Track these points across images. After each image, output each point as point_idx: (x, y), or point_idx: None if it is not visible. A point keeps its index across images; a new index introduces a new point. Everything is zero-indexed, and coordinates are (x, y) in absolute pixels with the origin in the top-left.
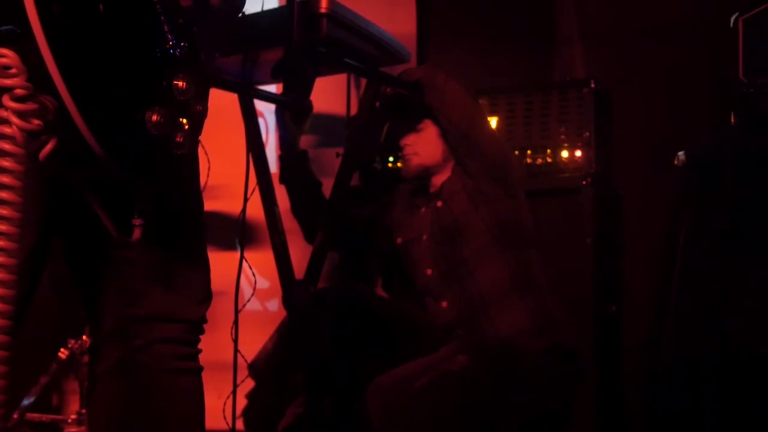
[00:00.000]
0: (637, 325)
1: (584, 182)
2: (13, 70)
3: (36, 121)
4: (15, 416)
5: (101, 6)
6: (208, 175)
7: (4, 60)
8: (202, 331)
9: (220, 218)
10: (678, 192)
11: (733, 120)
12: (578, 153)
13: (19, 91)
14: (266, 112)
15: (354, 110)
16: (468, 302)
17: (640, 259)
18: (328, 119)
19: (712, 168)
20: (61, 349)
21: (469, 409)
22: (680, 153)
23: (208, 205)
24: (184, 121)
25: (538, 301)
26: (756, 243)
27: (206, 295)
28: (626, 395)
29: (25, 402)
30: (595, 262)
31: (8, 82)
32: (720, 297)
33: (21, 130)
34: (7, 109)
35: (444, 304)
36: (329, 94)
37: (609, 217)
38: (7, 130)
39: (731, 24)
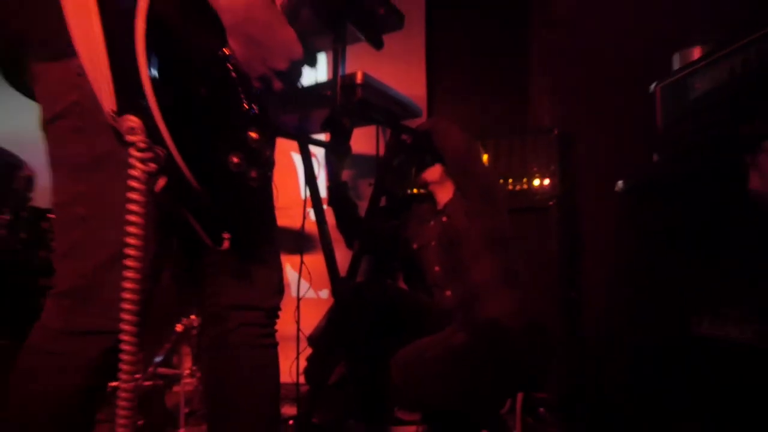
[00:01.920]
0: (590, 308)
1: (551, 203)
2: (137, 130)
3: (152, 165)
4: (150, 369)
5: (199, 83)
6: (277, 200)
7: (131, 123)
8: (277, 317)
9: (286, 231)
10: (619, 210)
11: (655, 158)
12: (547, 181)
13: (140, 144)
14: (318, 153)
15: (382, 152)
16: (466, 292)
17: (594, 259)
18: (362, 158)
19: (643, 192)
20: (178, 325)
21: (467, 373)
22: (619, 182)
23: (278, 222)
24: (257, 162)
25: (518, 290)
26: (676, 245)
27: (280, 290)
28: (585, 360)
29: (156, 360)
30: (559, 262)
31: (134, 138)
32: (651, 287)
33: (142, 171)
34: (132, 156)
35: (448, 293)
36: (363, 140)
37: (570, 229)
38: (133, 172)
39: (651, 89)
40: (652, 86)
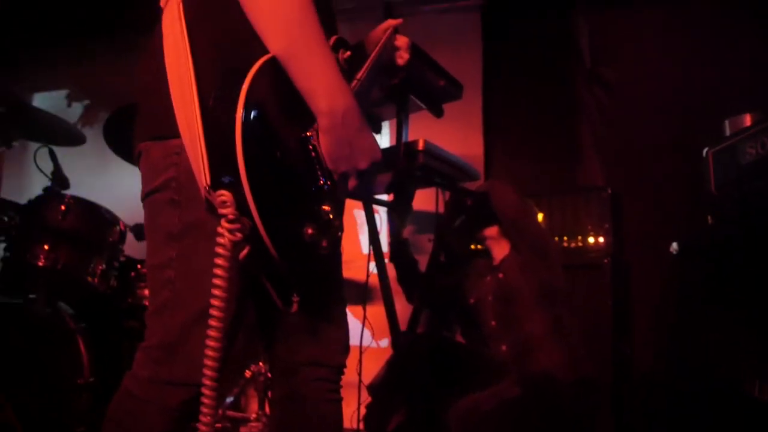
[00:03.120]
0: (642, 363)
1: (605, 261)
2: (228, 203)
3: (239, 235)
4: (220, 412)
5: (282, 162)
6: (343, 254)
7: (223, 197)
8: (343, 373)
9: (350, 285)
10: (670, 269)
11: (709, 220)
12: (601, 239)
13: (230, 216)
14: (380, 210)
15: (441, 210)
16: (520, 346)
17: (646, 316)
18: (422, 216)
19: (695, 252)
20: (246, 372)
21: (521, 426)
22: (674, 243)
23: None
24: (328, 232)
25: (568, 344)
26: (727, 303)
27: (346, 348)
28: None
29: (227, 401)
30: (613, 317)
31: (225, 211)
32: (701, 338)
33: (230, 241)
34: (222, 227)
35: (503, 347)
36: (423, 199)
37: (622, 285)
38: (221, 240)
39: (704, 155)
40: (705, 151)
